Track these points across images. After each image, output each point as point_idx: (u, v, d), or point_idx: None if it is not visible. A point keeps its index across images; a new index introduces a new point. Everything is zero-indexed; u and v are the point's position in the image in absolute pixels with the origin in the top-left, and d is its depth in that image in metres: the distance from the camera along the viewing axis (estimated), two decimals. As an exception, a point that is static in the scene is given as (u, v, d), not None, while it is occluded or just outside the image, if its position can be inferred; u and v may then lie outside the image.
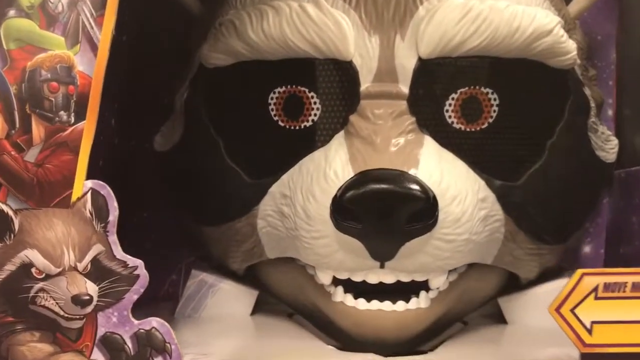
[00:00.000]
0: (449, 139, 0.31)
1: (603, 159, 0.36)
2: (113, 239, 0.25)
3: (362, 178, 0.28)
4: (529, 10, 0.31)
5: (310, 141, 0.31)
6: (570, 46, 0.32)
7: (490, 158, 0.32)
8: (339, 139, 0.31)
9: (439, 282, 0.32)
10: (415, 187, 0.28)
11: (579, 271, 0.25)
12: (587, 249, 0.41)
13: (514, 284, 0.35)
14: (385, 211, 0.28)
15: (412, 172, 0.29)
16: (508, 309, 0.35)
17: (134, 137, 0.39)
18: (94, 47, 0.26)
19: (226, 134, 0.33)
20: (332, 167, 0.30)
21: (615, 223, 0.39)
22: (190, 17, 0.37)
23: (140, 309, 0.26)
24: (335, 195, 0.28)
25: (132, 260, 0.25)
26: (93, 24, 0.26)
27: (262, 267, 0.35)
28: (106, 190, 0.25)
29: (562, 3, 0.35)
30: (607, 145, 0.36)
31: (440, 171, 0.30)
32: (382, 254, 0.29)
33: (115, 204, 0.26)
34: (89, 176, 0.26)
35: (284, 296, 0.35)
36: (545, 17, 0.31)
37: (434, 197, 0.28)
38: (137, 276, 0.25)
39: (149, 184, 0.39)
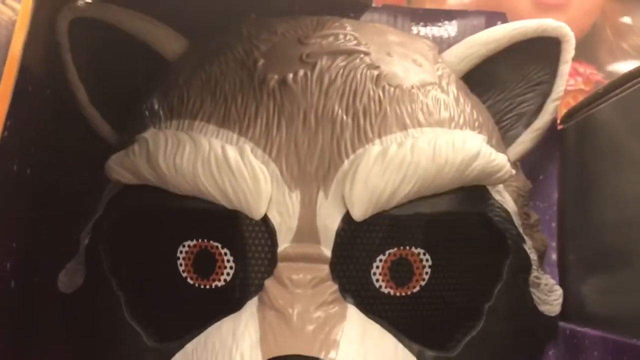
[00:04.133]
0: (376, 305, 0.28)
1: (547, 313, 0.33)
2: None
3: None
4: (449, 137, 0.29)
5: (220, 305, 0.28)
6: (501, 160, 0.30)
7: (423, 326, 0.29)
8: (251, 308, 0.27)
9: None
10: None
11: None
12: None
13: None
14: None
15: (330, 357, 0.26)
16: None
17: (36, 273, 0.35)
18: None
19: (128, 288, 0.30)
20: (239, 347, 0.26)
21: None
22: (107, 147, 0.34)
23: None
24: None
25: None
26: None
27: None
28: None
29: (503, 147, 0.34)
30: (550, 297, 0.34)
31: (364, 352, 0.26)
32: None
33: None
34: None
35: None
36: (468, 140, 0.29)
37: None
38: None
39: (54, 329, 0.34)
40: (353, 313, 0.27)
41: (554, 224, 0.39)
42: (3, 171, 0.25)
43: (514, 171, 0.31)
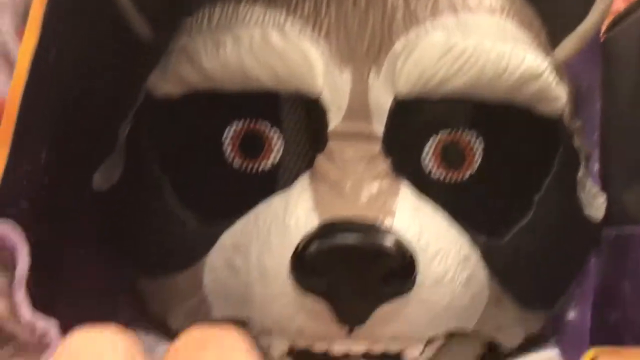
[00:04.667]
0: (427, 188, 0.28)
1: (591, 217, 0.33)
2: (20, 297, 0.21)
3: (329, 229, 0.25)
4: (517, 51, 0.28)
5: (269, 184, 0.28)
6: (560, 91, 0.29)
7: (473, 212, 0.28)
8: (302, 183, 0.27)
9: (414, 353, 0.28)
10: (390, 242, 0.24)
11: (592, 351, 0.21)
12: (572, 314, 0.38)
13: (491, 354, 0.31)
14: (355, 268, 0.24)
15: (386, 224, 0.25)
16: None
17: (71, 175, 0.33)
18: (9, 65, 0.21)
19: (172, 173, 0.29)
20: (293, 215, 0.26)
21: (603, 287, 0.36)
22: (140, 42, 0.33)
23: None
24: (297, 248, 0.25)
25: (42, 324, 0.21)
26: (11, 37, 0.22)
27: None
28: (14, 235, 0.21)
29: (549, 47, 0.33)
30: (595, 202, 0.33)
31: (419, 224, 0.26)
32: (352, 318, 0.25)
33: (26, 253, 0.21)
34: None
35: None
36: (535, 59, 0.29)
37: (413, 255, 0.25)
38: (47, 345, 0.20)
39: (87, 231, 0.33)
40: (406, 188, 0.27)
41: (596, 135, 0.38)
42: (41, 57, 0.24)
43: (567, 108, 0.31)
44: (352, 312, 0.25)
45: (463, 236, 0.28)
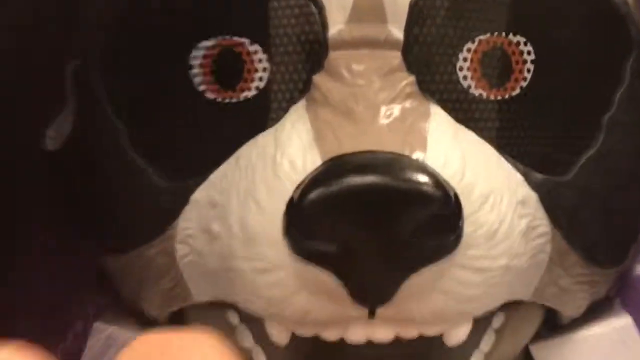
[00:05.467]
0: (465, 110, 0.22)
1: None
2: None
3: (335, 168, 0.18)
4: None
5: (253, 119, 0.22)
6: None
7: (526, 141, 0.22)
8: (297, 111, 0.21)
9: (459, 335, 0.21)
10: (424, 180, 0.18)
11: None
12: (640, 269, 0.32)
13: (548, 324, 0.26)
14: (376, 222, 0.18)
15: (416, 156, 0.19)
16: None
17: (18, 132, 0.28)
18: None
19: (130, 116, 0.23)
20: (285, 152, 0.20)
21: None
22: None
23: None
24: (292, 199, 0.18)
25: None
26: None
27: (192, 315, 0.25)
28: None
29: None
30: None
31: (461, 156, 0.20)
32: (373, 296, 0.19)
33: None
34: None
35: None
36: None
37: (456, 198, 0.18)
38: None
39: (39, 202, 0.28)
40: (438, 110, 0.21)
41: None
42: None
43: None
44: (372, 287, 0.19)
45: (517, 172, 0.22)
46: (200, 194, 0.21)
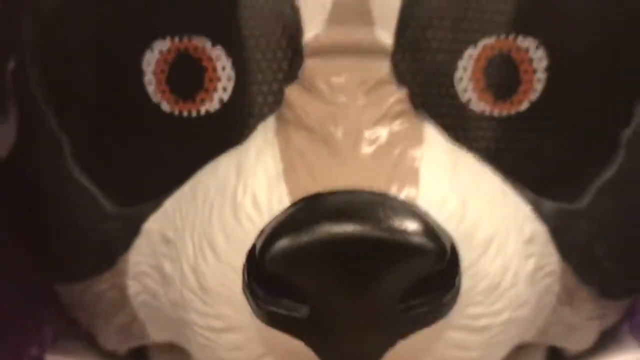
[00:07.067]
0: (465, 130, 0.19)
1: None
2: None
3: (307, 211, 0.15)
4: None
5: (214, 137, 0.18)
6: None
7: (536, 162, 0.19)
8: (265, 133, 0.18)
9: None
10: (414, 228, 0.15)
11: None
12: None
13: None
14: (355, 282, 0.14)
15: (406, 195, 0.16)
16: None
17: None
18: None
19: (74, 130, 0.20)
20: (248, 185, 0.16)
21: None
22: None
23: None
24: (253, 248, 0.15)
25: None
26: None
27: (154, 352, 0.22)
28: None
29: None
30: None
31: (461, 193, 0.17)
32: None
33: None
34: None
35: None
36: None
37: (453, 249, 0.15)
38: None
39: None
40: (432, 133, 0.18)
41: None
42: None
43: None
44: (351, 358, 0.16)
45: (524, 203, 0.19)
46: (153, 225, 0.19)
